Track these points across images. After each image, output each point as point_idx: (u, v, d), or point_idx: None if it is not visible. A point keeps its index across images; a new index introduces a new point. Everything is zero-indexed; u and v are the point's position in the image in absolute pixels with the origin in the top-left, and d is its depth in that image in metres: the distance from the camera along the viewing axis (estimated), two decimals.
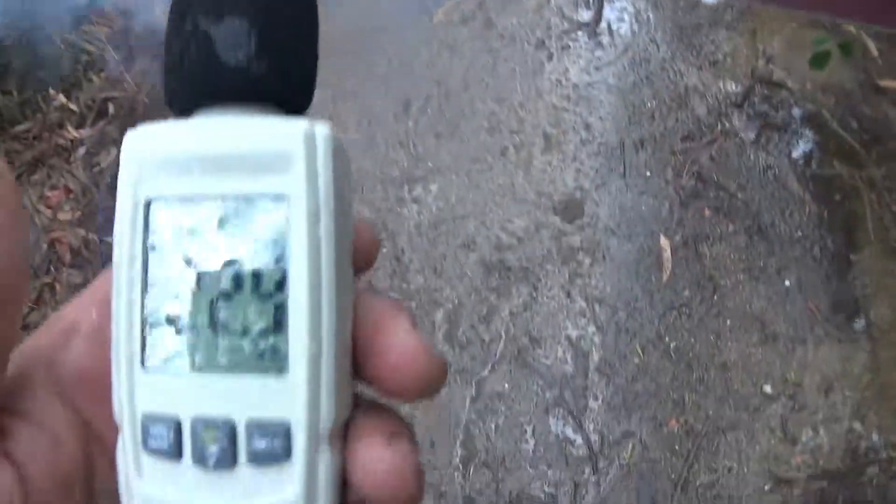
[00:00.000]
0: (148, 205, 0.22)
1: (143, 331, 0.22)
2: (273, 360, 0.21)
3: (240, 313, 0.22)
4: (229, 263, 0.22)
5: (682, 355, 1.37)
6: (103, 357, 0.22)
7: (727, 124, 1.52)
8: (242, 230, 0.22)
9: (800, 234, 1.43)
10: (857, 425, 1.34)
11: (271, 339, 0.22)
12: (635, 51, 1.61)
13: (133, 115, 1.62)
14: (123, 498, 0.22)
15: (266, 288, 0.22)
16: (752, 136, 1.51)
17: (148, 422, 0.22)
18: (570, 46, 1.63)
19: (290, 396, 0.21)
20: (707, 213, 1.44)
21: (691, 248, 1.42)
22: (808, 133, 1.52)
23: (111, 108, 1.65)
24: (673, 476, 1.34)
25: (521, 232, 1.46)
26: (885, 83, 1.56)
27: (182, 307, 0.22)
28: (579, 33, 1.64)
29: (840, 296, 1.40)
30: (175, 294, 0.22)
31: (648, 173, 1.48)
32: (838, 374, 1.35)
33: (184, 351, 0.22)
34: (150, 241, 0.22)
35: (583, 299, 1.40)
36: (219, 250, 0.22)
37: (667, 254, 1.41)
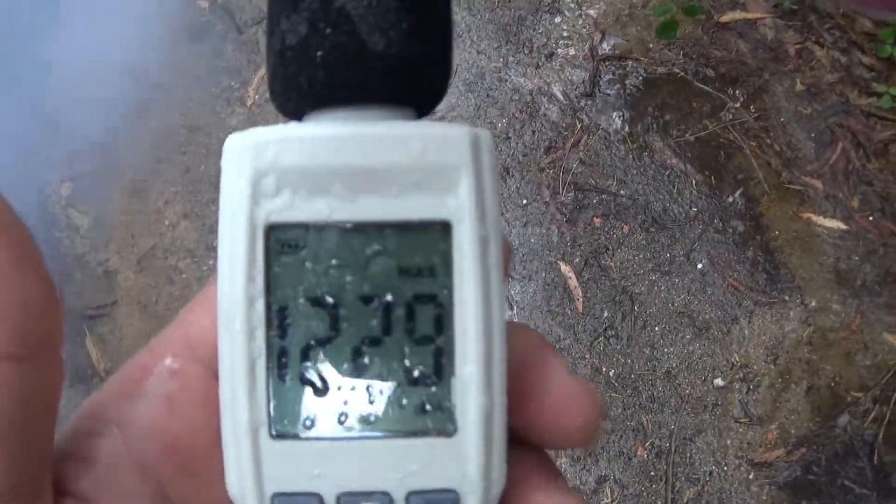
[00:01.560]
0: (270, 230, 0.23)
1: (268, 390, 0.23)
2: (437, 419, 0.22)
3: (393, 362, 0.23)
4: (376, 302, 0.23)
5: (624, 380, 1.64)
6: (190, 417, 0.23)
7: (585, 119, 1.80)
8: (394, 261, 0.23)
9: (695, 210, 1.73)
10: (815, 380, 1.66)
11: (433, 393, 0.23)
12: (465, 69, 1.87)
13: None
14: None
15: (423, 330, 0.23)
16: (613, 122, 1.80)
17: (281, 502, 0.22)
18: None
19: (460, 461, 0.22)
20: (597, 222, 1.72)
21: (594, 266, 1.69)
22: (668, 99, 1.82)
23: None
24: (659, 503, 1.62)
25: None
26: (727, 17, 1.88)
27: (320, 359, 0.23)
28: None
29: (755, 259, 1.71)
30: (310, 342, 0.23)
31: (524, 201, 1.74)
32: (780, 339, 1.66)
33: (325, 413, 0.23)
34: (272, 276, 0.23)
35: None
36: (362, 286, 0.23)
37: (572, 280, 1.68)
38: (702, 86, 1.82)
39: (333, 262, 0.23)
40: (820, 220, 1.74)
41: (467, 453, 0.22)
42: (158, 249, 1.90)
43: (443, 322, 0.23)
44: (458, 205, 0.22)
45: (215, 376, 0.23)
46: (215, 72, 2.05)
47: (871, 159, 1.77)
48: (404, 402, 0.23)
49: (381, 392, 0.23)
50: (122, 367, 0.25)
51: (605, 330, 1.66)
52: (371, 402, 0.23)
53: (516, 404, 0.23)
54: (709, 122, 1.80)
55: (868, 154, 1.77)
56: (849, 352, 1.65)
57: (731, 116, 1.80)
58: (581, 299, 1.67)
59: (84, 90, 2.06)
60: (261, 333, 0.22)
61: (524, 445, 0.24)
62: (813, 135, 1.79)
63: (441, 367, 0.23)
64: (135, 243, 1.91)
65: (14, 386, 0.19)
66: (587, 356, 1.64)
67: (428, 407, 0.23)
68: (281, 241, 0.23)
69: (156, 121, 2.04)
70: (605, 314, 1.67)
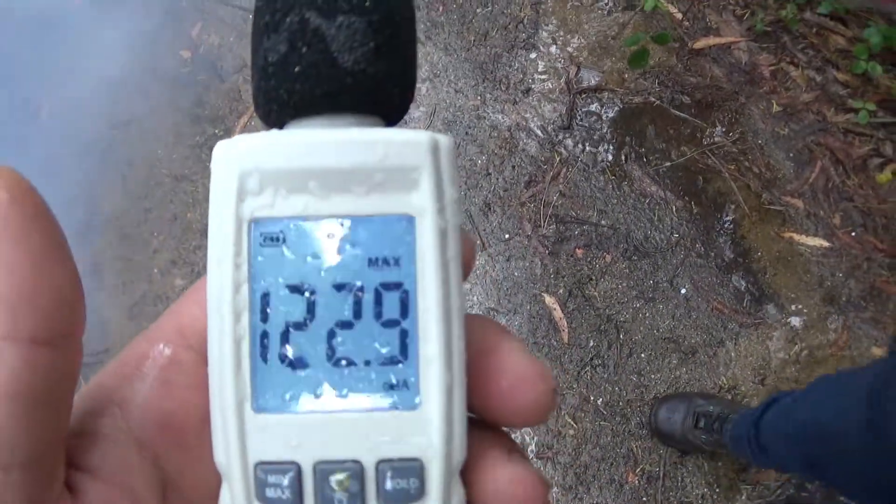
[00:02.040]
0: (253, 224, 0.28)
1: (252, 368, 0.27)
2: (402, 393, 0.27)
3: (363, 343, 0.27)
4: (348, 289, 0.28)
5: (612, 408, 1.80)
6: (182, 398, 0.28)
7: (563, 152, 1.98)
8: (363, 252, 0.28)
9: (676, 236, 1.90)
10: None
11: (399, 371, 0.27)
12: (444, 108, 2.05)
13: None
14: None
15: (389, 314, 0.27)
16: (591, 154, 1.97)
17: (263, 470, 0.26)
18: None
19: (424, 432, 0.26)
20: (579, 252, 1.89)
21: (578, 296, 1.86)
22: (645, 128, 2.00)
23: None
24: None
25: None
26: (701, 44, 2.06)
27: (297, 340, 0.27)
28: None
29: (738, 281, 1.87)
30: (289, 325, 0.27)
31: (507, 236, 1.91)
32: (766, 359, 1.82)
33: (302, 389, 0.27)
34: (256, 265, 0.27)
35: None
36: (335, 275, 0.28)
37: (557, 312, 1.84)
38: (678, 113, 2.00)
39: (309, 253, 0.28)
40: (802, 238, 1.90)
41: (430, 425, 0.27)
42: (149, 297, 2.07)
43: (407, 306, 0.28)
44: (419, 201, 0.28)
45: (205, 361, 0.28)
46: (199, 120, 2.24)
47: (850, 175, 1.93)
48: (373, 378, 0.27)
49: (352, 370, 0.27)
50: (120, 352, 0.29)
51: (592, 359, 1.82)
52: (343, 380, 0.27)
53: (475, 386, 0.28)
54: (687, 149, 1.97)
55: (847, 170, 1.93)
56: (837, 368, 1.80)
57: (708, 141, 1.97)
58: (566, 330, 1.83)
59: (72, 137, 2.25)
60: (245, 317, 0.27)
61: (485, 424, 0.29)
62: (791, 155, 1.96)
63: (406, 347, 0.27)
64: (125, 291, 2.08)
65: (41, 368, 0.23)
66: (575, 386, 1.80)
67: (394, 383, 0.27)
68: (263, 234, 0.28)
69: (142, 170, 2.22)
70: (591, 343, 1.83)
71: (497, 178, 1.98)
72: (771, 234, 1.90)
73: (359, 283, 0.28)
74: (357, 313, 0.28)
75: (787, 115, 1.99)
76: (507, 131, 2.02)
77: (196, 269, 2.07)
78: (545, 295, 1.86)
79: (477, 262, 1.89)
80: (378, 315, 0.28)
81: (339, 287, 0.28)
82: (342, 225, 0.28)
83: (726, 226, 1.91)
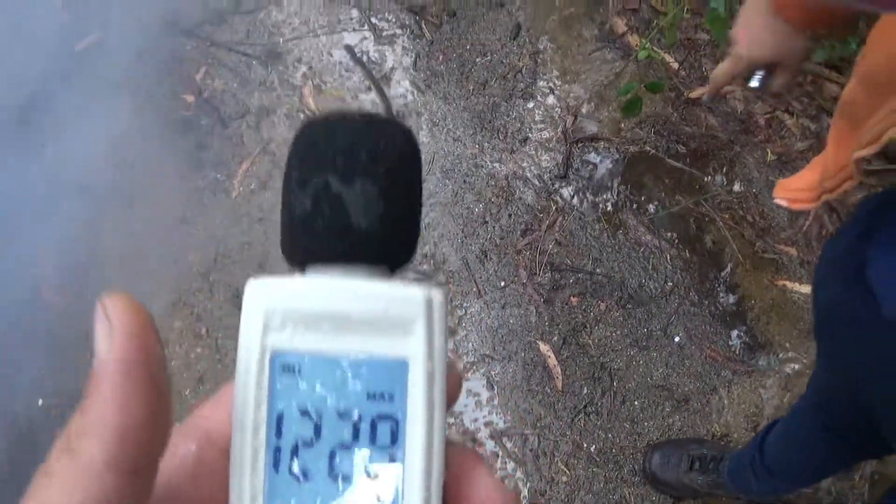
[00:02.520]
0: (275, 354, 0.36)
1: (265, 476, 0.35)
2: None
3: (358, 463, 0.35)
4: (349, 417, 0.35)
5: (606, 455, 1.97)
6: (206, 490, 0.35)
7: (559, 200, 2.18)
8: (364, 386, 0.35)
9: (670, 284, 2.09)
10: None
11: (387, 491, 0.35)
12: (443, 156, 2.26)
13: None
14: None
15: (382, 441, 0.35)
16: (587, 203, 2.17)
17: None
18: None
19: None
20: (574, 301, 2.08)
21: (572, 344, 2.04)
22: (641, 177, 2.19)
23: None
24: None
25: None
26: (696, 93, 2.26)
27: (304, 456, 0.35)
28: None
29: (732, 328, 2.05)
30: (298, 443, 0.35)
31: (502, 283, 2.11)
32: (759, 406, 1.99)
33: (305, 498, 0.35)
34: (274, 389, 0.35)
35: (489, 439, 1.99)
36: (339, 404, 0.35)
37: (552, 359, 2.02)
38: (673, 162, 2.19)
39: (319, 383, 0.35)
40: (795, 286, 2.08)
41: None
42: None
43: (397, 436, 0.35)
44: (413, 347, 0.35)
45: (226, 457, 0.35)
46: (201, 164, 2.45)
47: (844, 222, 2.11)
48: (366, 493, 0.35)
49: (348, 486, 0.35)
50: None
51: (586, 406, 2.00)
52: (340, 493, 0.34)
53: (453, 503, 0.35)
54: (682, 198, 2.16)
55: (841, 217, 2.11)
56: None
57: (703, 191, 2.17)
58: (560, 377, 2.01)
59: (74, 176, 2.44)
60: (262, 431, 0.35)
61: None
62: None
63: (394, 468, 0.35)
64: None
65: (130, 493, 0.29)
66: (568, 433, 1.98)
67: (383, 498, 0.35)
68: (282, 364, 0.35)
69: (144, 211, 2.42)
70: (585, 391, 2.01)
71: (494, 226, 2.18)
72: (765, 281, 2.08)
73: (358, 413, 0.35)
74: (355, 437, 0.35)
75: (782, 163, 2.18)
76: (504, 180, 2.22)
77: (195, 312, 2.25)
78: (540, 342, 2.05)
79: (472, 309, 2.09)
80: (373, 440, 0.35)
81: (342, 414, 0.35)
82: (348, 362, 0.36)
83: (720, 274, 2.10)
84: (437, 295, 0.36)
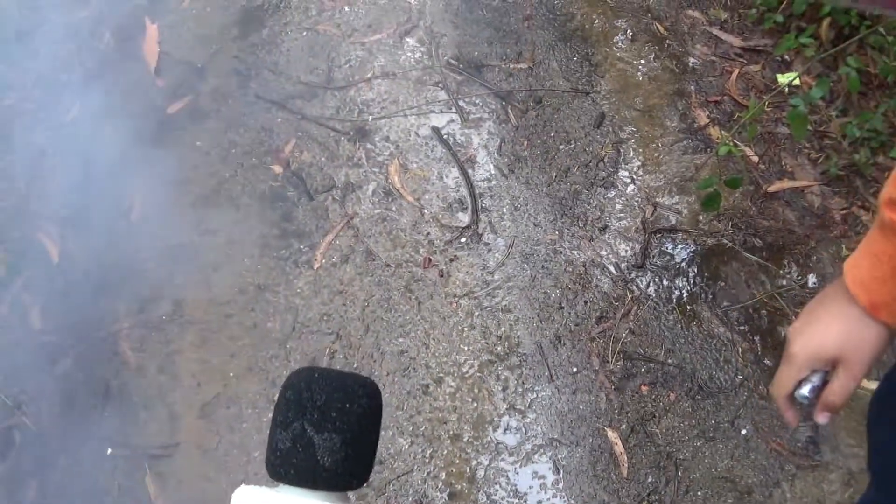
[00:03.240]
0: None
1: None
2: None
3: None
4: None
5: None
6: None
7: (635, 290, 2.51)
8: None
9: (740, 377, 2.39)
10: None
11: None
12: (523, 241, 2.62)
13: None
14: None
15: None
16: (662, 293, 2.50)
17: None
18: (458, 257, 2.63)
19: None
20: (644, 389, 2.40)
21: (640, 432, 2.35)
22: (717, 270, 2.51)
23: None
24: None
25: (468, 472, 2.37)
26: (775, 187, 2.58)
27: None
28: (462, 239, 2.65)
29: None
30: None
31: (574, 369, 2.44)
32: (821, 501, 2.26)
33: None
34: None
35: None
36: None
37: (618, 447, 2.34)
38: (750, 255, 2.51)
39: None
40: (863, 382, 2.35)
41: None
42: (222, 399, 2.55)
43: None
44: None
45: None
46: (285, 234, 2.83)
47: None
48: None
49: None
50: None
51: (649, 495, 2.31)
52: None
53: None
54: (756, 291, 2.47)
55: None
56: None
57: (778, 285, 2.48)
58: (626, 465, 2.32)
59: (160, 239, 2.83)
60: None
61: None
62: None
63: None
64: (200, 391, 2.57)
65: None
66: None
67: None
68: None
69: (227, 276, 2.79)
70: (650, 479, 2.32)
71: (569, 313, 2.52)
72: None
73: None
74: None
75: None
76: (581, 267, 2.57)
77: (270, 377, 2.59)
78: (608, 429, 2.37)
79: (543, 393, 2.42)
80: None
81: None
82: None
83: None
84: None
